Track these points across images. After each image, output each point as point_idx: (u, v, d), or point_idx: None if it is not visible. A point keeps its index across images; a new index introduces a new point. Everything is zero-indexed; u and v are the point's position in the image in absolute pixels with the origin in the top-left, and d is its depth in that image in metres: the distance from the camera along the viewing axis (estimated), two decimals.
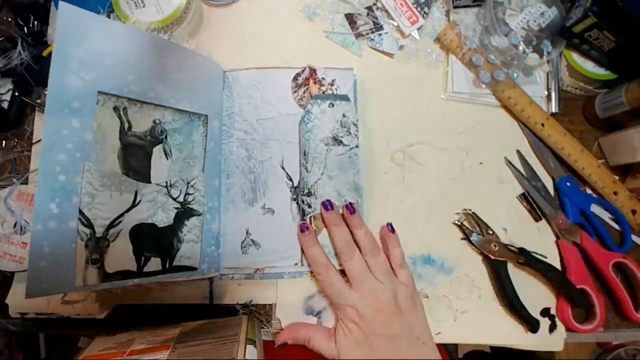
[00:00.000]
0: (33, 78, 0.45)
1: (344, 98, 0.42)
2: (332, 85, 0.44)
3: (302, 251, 0.41)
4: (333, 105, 0.42)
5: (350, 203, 0.40)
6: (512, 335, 0.43)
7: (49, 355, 0.81)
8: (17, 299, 0.42)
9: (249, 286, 0.43)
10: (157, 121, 0.38)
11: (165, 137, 0.39)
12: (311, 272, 0.41)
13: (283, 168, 0.43)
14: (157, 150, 0.38)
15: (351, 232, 0.40)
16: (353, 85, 0.44)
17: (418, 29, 0.48)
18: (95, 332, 0.41)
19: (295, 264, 0.41)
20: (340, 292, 0.38)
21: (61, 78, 0.32)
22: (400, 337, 0.36)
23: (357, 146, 0.42)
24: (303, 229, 0.40)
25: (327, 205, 0.39)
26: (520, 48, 0.45)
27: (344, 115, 0.42)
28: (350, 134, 0.42)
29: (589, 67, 0.46)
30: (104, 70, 0.34)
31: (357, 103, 0.45)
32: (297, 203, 0.42)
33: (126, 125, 0.36)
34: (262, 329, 0.42)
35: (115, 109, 0.35)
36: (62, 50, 0.32)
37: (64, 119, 0.32)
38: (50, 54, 0.45)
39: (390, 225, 0.41)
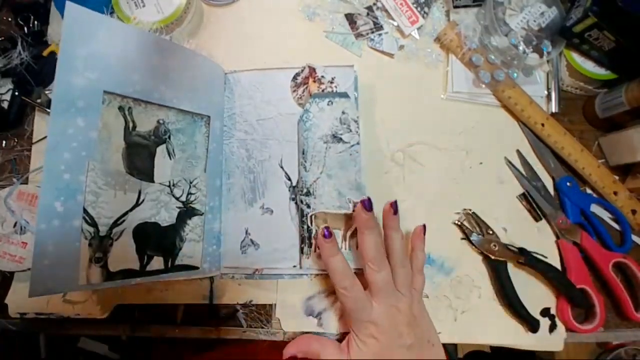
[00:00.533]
0: (33, 78, 0.45)
1: (343, 95, 0.42)
2: (331, 83, 0.44)
3: (300, 251, 0.41)
4: (332, 103, 0.42)
5: (395, 202, 0.37)
6: (512, 335, 0.43)
7: (49, 355, 0.81)
8: (16, 299, 0.42)
9: (249, 286, 0.43)
10: (161, 121, 0.38)
11: (169, 137, 0.39)
12: (312, 274, 0.41)
13: (282, 167, 0.43)
14: (161, 150, 0.38)
15: (385, 234, 0.37)
16: (354, 82, 0.44)
17: (418, 28, 0.48)
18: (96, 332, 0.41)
19: (294, 266, 0.41)
20: (364, 308, 0.35)
21: (67, 77, 0.32)
22: (415, 345, 0.36)
23: (357, 143, 0.41)
24: (326, 234, 0.36)
25: (367, 204, 0.36)
26: (520, 48, 0.45)
27: (343, 113, 0.41)
28: (350, 130, 0.41)
29: (589, 67, 0.46)
30: (109, 70, 0.34)
31: (359, 101, 0.45)
32: (296, 203, 0.42)
33: (131, 125, 0.36)
34: (262, 328, 0.42)
35: (121, 108, 0.35)
36: (68, 49, 0.32)
37: (69, 118, 0.32)
38: (50, 53, 0.45)
39: (424, 226, 0.40)
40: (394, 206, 0.37)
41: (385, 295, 0.36)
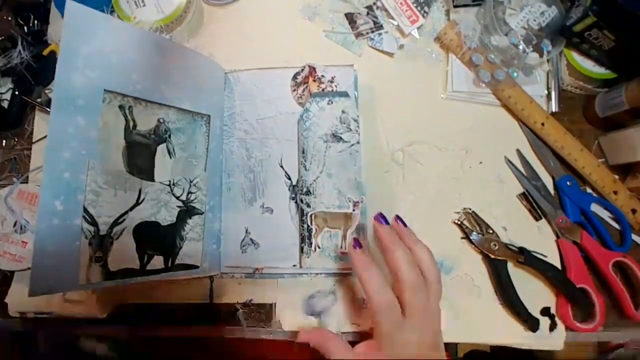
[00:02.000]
0: (33, 77, 0.45)
1: (343, 94, 0.42)
2: (332, 82, 0.44)
3: (300, 250, 0.41)
4: (332, 103, 0.42)
5: (397, 216, 0.36)
6: (512, 334, 0.43)
7: (49, 355, 0.81)
8: (16, 298, 0.42)
9: (249, 285, 0.43)
10: (161, 120, 0.38)
11: (169, 136, 0.39)
12: (312, 274, 0.41)
13: (282, 167, 0.43)
14: (161, 149, 0.38)
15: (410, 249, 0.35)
16: (354, 81, 0.44)
17: (418, 28, 0.48)
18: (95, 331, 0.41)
19: (294, 265, 0.41)
20: (399, 329, 0.32)
21: (67, 76, 0.32)
22: (430, 354, 0.34)
23: (358, 142, 0.41)
24: (355, 245, 0.33)
25: (380, 218, 0.34)
26: (520, 47, 0.45)
27: (343, 112, 0.42)
28: (350, 130, 0.41)
29: (589, 66, 0.46)
30: (110, 68, 0.34)
31: (359, 100, 0.45)
32: (296, 202, 0.42)
33: (131, 124, 0.36)
34: (262, 328, 0.42)
35: (121, 107, 0.35)
36: (68, 48, 0.32)
37: (69, 117, 0.32)
38: (50, 53, 0.45)
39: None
40: (400, 221, 0.36)
41: (422, 317, 0.32)
